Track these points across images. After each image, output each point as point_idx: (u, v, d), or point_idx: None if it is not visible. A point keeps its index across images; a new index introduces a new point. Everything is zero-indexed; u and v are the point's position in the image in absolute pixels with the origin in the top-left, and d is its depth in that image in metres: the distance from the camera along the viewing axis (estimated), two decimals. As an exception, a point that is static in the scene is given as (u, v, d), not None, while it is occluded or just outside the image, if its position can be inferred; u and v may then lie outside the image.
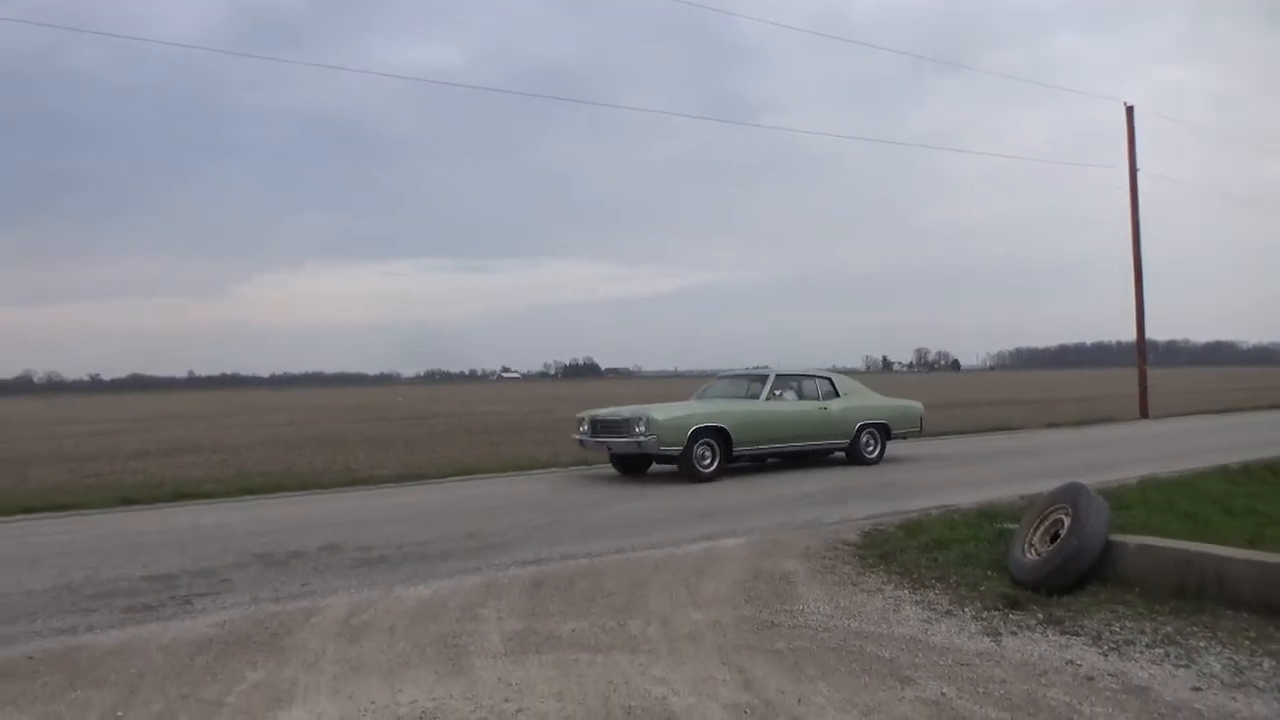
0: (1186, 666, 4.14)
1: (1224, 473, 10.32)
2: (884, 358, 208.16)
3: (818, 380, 13.24)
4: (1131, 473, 10.42)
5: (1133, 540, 5.53)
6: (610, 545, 7.31)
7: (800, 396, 12.93)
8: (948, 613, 5.09)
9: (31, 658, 4.61)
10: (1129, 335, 27.30)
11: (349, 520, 9.02)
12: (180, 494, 11.35)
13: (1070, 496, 5.70)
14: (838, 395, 13.17)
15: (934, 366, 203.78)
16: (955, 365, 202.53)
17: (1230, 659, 4.20)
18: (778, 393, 12.62)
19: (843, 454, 13.27)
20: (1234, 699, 3.75)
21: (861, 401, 13.42)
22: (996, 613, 5.04)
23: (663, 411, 11.68)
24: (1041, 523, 5.86)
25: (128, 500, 10.82)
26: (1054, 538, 5.59)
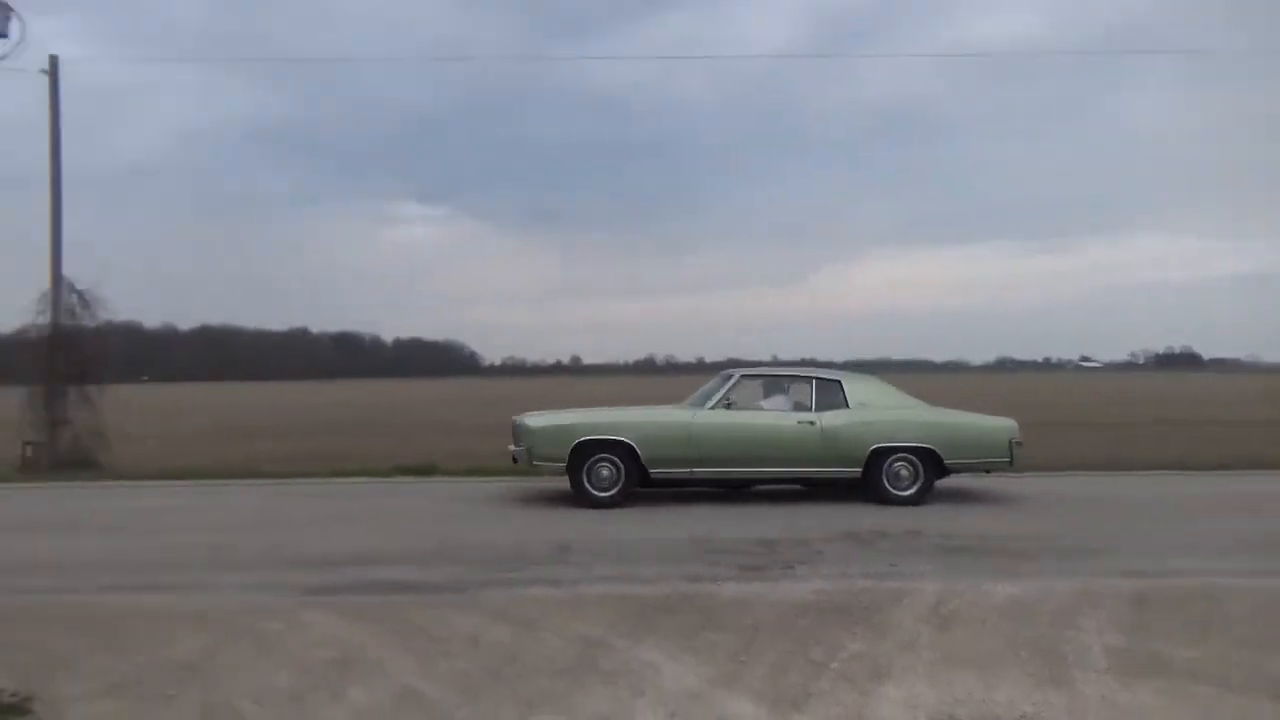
0: None
1: None
2: None
3: (814, 384, 9.66)
4: None
5: None
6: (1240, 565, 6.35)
7: (782, 405, 9.69)
8: None
9: (668, 596, 5.53)
10: None
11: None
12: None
13: None
14: (845, 405, 9.51)
15: None
16: None
17: None
18: (731, 400, 9.47)
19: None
20: None
21: (882, 416, 9.56)
22: None
23: (542, 418, 9.57)
24: None
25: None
26: None
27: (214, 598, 5.60)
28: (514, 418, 9.97)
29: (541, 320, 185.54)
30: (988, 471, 9.98)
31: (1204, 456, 13.37)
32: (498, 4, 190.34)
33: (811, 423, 9.36)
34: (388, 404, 40.22)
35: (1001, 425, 9.71)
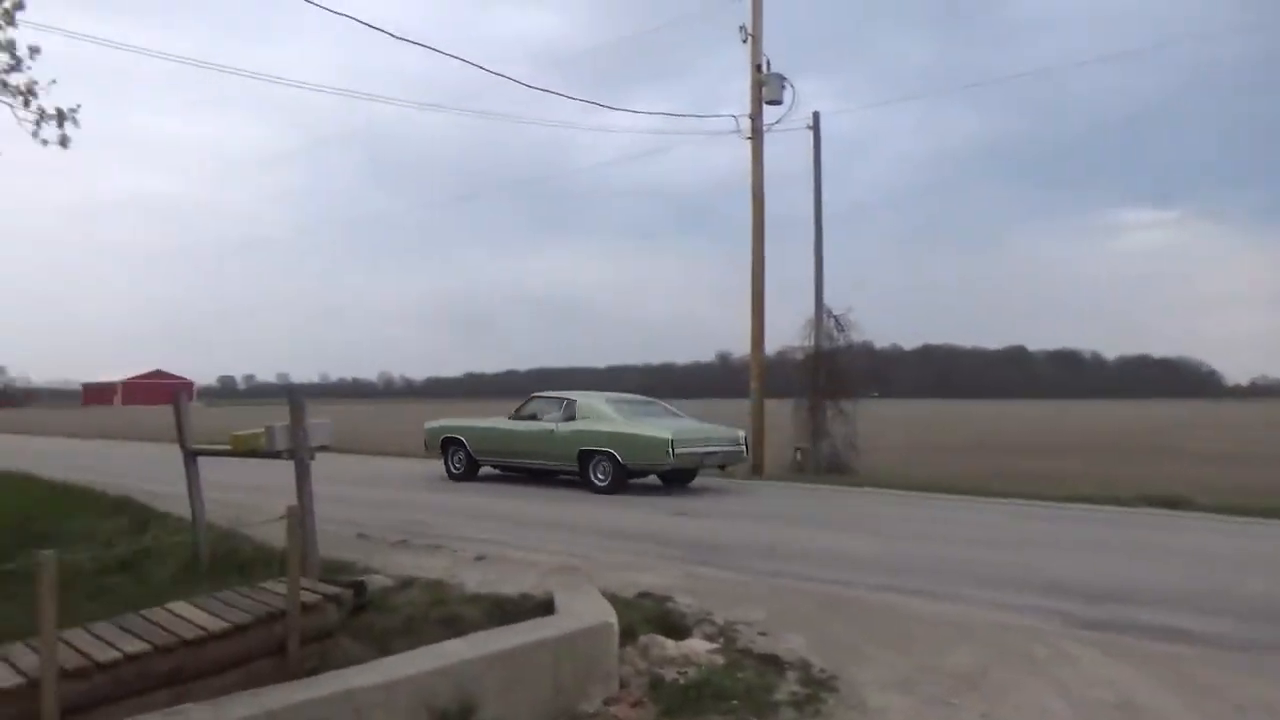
0: None
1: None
2: None
3: (565, 402, 13.23)
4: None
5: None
6: None
7: (548, 418, 13.12)
8: None
9: None
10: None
11: None
12: None
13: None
14: (574, 418, 12.86)
15: None
16: None
17: None
18: (529, 413, 13.54)
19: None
20: None
21: (590, 426, 12.69)
22: None
23: (436, 421, 14.59)
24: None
25: None
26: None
27: (974, 611, 5.86)
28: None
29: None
30: (722, 468, 13.26)
31: None
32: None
33: (552, 430, 12.91)
34: (1114, 426, 37.20)
35: (660, 437, 12.12)
